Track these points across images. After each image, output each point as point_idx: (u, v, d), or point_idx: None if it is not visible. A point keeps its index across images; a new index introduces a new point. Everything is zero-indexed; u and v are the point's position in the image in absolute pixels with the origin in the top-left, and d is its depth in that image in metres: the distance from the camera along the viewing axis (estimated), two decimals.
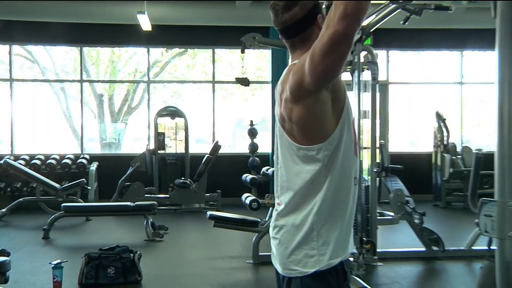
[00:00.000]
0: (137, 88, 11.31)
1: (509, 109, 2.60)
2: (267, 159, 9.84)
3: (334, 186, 1.68)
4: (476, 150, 6.85)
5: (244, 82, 6.45)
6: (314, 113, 1.63)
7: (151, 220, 6.92)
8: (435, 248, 5.90)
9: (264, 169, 8.37)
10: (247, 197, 6.75)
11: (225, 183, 9.63)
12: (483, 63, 10.68)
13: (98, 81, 11.25)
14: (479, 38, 9.41)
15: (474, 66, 10.95)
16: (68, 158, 9.69)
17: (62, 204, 7.20)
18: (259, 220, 5.84)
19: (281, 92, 1.73)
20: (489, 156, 3.22)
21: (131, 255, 5.02)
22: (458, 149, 10.08)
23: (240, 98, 11.18)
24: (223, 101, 10.93)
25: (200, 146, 10.63)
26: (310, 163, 1.67)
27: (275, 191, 1.84)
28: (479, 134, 11.13)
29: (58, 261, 4.71)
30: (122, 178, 9.20)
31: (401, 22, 4.03)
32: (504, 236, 2.54)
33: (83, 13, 9.29)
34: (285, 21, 1.72)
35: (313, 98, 1.61)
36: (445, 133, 9.72)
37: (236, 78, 6.51)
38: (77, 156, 9.83)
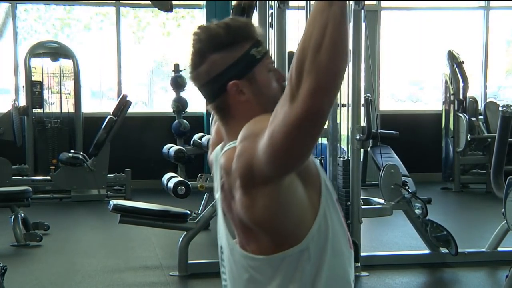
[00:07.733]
0: None
1: None
2: (200, 122, 9.81)
3: None
4: (503, 106, 6.96)
5: (164, 4, 6.34)
6: (281, 203, 1.66)
7: (22, 214, 6.82)
8: (444, 250, 6.05)
9: (196, 136, 8.33)
10: (171, 179, 6.73)
11: (137, 158, 9.65)
12: None
13: None
14: None
15: None
16: None
17: None
18: (188, 212, 5.83)
19: (223, 185, 1.77)
20: None
21: None
22: (480, 106, 10.31)
23: (158, 30, 11.04)
24: (134, 36, 10.82)
25: (99, 103, 10.55)
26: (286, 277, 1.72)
27: None
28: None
29: None
30: None
31: None
32: None
33: None
34: (193, 80, 1.87)
35: (277, 185, 1.64)
36: (461, 83, 9.90)
37: None
38: None
